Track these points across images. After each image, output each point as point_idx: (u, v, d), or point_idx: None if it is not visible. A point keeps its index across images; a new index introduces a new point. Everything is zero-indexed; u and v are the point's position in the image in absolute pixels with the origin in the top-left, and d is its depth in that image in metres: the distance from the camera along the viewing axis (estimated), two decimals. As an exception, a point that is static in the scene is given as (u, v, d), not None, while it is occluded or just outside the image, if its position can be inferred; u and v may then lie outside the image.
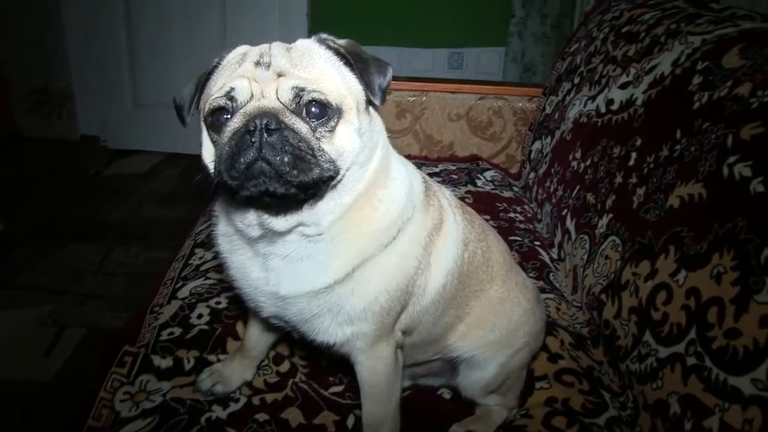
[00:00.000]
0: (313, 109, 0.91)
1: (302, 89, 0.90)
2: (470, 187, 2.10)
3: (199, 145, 1.00)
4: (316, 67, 0.96)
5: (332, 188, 0.96)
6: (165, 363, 1.32)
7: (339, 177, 0.94)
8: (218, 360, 1.33)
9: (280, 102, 0.90)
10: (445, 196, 1.20)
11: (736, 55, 1.27)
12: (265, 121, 0.87)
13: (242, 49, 1.02)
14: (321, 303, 1.03)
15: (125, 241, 3.22)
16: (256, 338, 1.28)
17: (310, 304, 1.03)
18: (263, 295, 1.06)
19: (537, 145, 2.16)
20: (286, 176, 0.88)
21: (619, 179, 1.49)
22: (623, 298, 1.33)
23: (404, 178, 1.08)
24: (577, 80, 1.96)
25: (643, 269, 1.28)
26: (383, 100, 0.99)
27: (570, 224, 1.69)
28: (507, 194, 2.10)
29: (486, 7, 3.99)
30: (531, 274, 1.63)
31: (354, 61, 0.97)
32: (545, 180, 1.97)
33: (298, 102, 0.90)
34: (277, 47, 0.99)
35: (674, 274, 1.18)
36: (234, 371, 1.27)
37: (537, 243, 1.81)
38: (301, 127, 0.90)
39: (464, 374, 1.25)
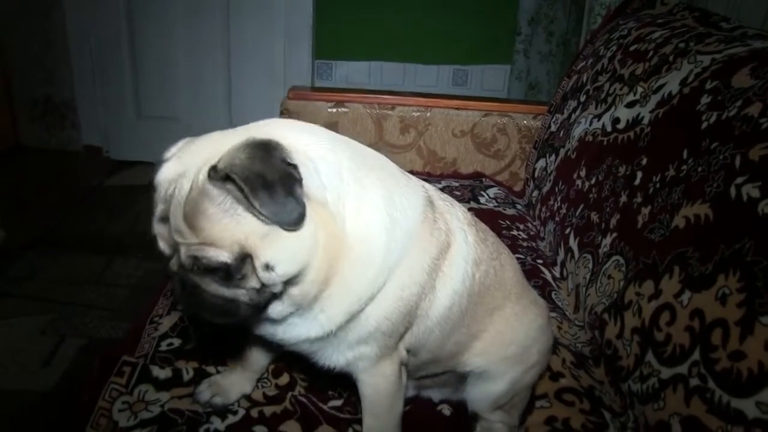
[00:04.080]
0: (215, 270, 0.86)
1: (196, 258, 0.85)
2: (473, 204, 2.10)
3: None
4: (208, 220, 0.83)
5: (282, 295, 0.93)
6: (164, 374, 1.31)
7: (279, 292, 0.91)
8: (217, 372, 1.32)
9: (185, 265, 0.87)
10: (456, 214, 1.15)
11: (746, 75, 1.27)
12: (180, 284, 0.89)
13: (164, 172, 0.91)
14: (321, 343, 1.03)
15: (126, 252, 3.22)
16: (257, 353, 1.27)
17: (311, 346, 1.04)
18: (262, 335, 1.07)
19: (541, 163, 2.15)
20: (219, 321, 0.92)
21: (624, 198, 1.49)
22: (626, 318, 1.32)
23: (379, 224, 0.96)
24: (583, 98, 1.96)
25: (647, 289, 1.27)
26: (298, 222, 0.85)
27: (573, 243, 1.69)
28: (510, 212, 2.09)
29: (491, 25, 4.01)
30: (533, 293, 1.63)
31: (248, 195, 0.81)
32: (549, 198, 1.96)
33: (198, 267, 0.86)
34: (177, 199, 0.86)
35: (678, 295, 1.17)
36: (233, 384, 1.26)
37: (539, 261, 1.80)
38: (210, 287, 0.88)
39: (474, 386, 1.23)
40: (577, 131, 1.90)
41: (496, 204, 2.14)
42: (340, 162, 0.95)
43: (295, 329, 1.01)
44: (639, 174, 1.46)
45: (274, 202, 0.81)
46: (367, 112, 2.47)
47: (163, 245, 0.91)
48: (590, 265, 1.55)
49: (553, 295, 1.65)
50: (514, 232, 1.94)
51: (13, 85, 4.30)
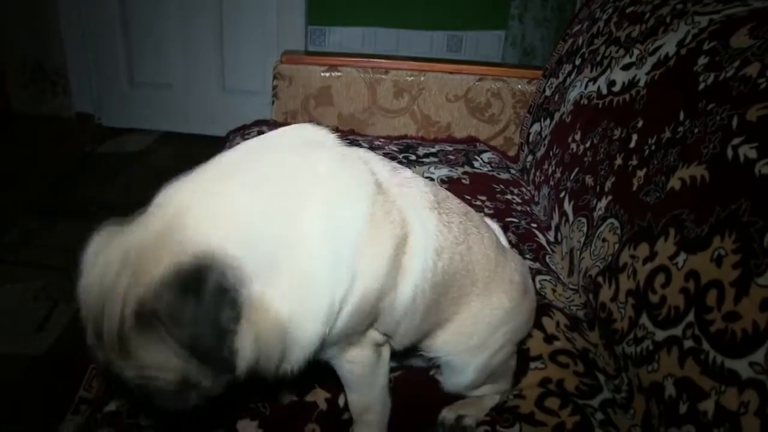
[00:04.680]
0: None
1: (141, 375, 0.82)
2: (467, 168, 2.08)
3: None
4: (143, 355, 0.80)
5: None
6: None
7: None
8: None
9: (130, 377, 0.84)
10: (413, 199, 1.03)
11: (745, 35, 1.24)
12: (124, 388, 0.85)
13: (87, 289, 0.85)
14: None
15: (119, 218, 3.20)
16: None
17: None
18: None
19: (536, 127, 2.14)
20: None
21: (619, 161, 1.47)
22: (620, 281, 1.32)
23: (321, 268, 0.88)
24: (578, 62, 1.94)
25: (642, 252, 1.27)
26: (230, 369, 0.80)
27: (568, 207, 1.68)
28: (504, 176, 2.08)
29: (486, -11, 3.96)
30: (527, 256, 1.62)
31: (178, 343, 0.77)
32: (543, 162, 1.95)
33: (143, 378, 0.83)
34: (108, 328, 0.80)
35: (674, 257, 1.17)
36: None
37: (534, 225, 1.80)
38: (155, 396, 0.86)
39: (445, 375, 1.21)
40: (572, 95, 1.88)
41: (490, 168, 2.12)
42: (277, 253, 0.85)
43: None
44: (634, 136, 1.45)
45: (202, 352, 0.78)
46: (361, 77, 2.44)
47: (100, 355, 0.84)
48: (585, 229, 1.55)
49: (548, 259, 1.65)
50: (509, 197, 1.93)
51: (2, 51, 4.24)
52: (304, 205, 0.88)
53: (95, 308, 0.82)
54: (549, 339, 1.34)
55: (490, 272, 1.15)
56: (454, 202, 1.16)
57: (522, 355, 1.29)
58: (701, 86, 1.27)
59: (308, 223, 0.87)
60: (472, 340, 1.15)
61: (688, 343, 1.08)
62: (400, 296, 0.99)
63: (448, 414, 1.20)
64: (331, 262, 0.88)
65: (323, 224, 0.88)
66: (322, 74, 2.45)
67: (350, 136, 2.31)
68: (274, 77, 2.48)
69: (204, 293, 0.75)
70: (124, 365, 0.82)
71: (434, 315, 1.09)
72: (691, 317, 1.09)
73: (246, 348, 0.81)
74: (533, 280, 1.50)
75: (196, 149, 3.88)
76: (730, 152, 1.11)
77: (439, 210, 1.07)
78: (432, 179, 1.95)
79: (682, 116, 1.30)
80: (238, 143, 2.22)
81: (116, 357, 0.81)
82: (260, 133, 2.28)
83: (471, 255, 1.11)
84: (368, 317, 0.97)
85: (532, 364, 1.29)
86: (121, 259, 0.81)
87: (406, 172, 1.09)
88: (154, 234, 0.82)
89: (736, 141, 1.11)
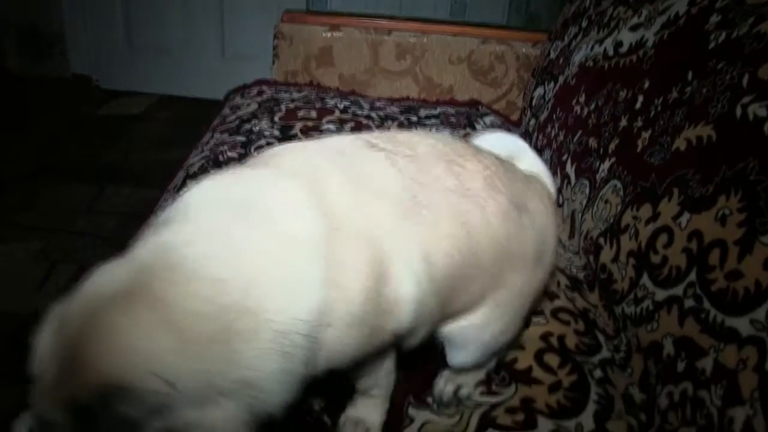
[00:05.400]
0: None
1: None
2: (469, 131, 2.06)
3: None
4: None
5: None
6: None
7: None
8: None
9: None
10: (382, 219, 0.84)
11: (761, -9, 1.22)
12: None
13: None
14: None
15: (117, 181, 3.20)
16: None
17: None
18: None
19: (539, 91, 2.11)
20: None
21: (623, 123, 1.46)
22: (622, 242, 1.31)
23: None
24: (584, 24, 1.91)
25: (645, 213, 1.26)
26: None
27: (570, 169, 1.66)
28: (506, 140, 2.06)
29: (491, -48, 3.91)
30: (529, 218, 1.61)
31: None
32: (546, 126, 1.93)
33: None
34: None
35: (677, 217, 1.16)
36: None
37: (535, 188, 1.78)
38: None
39: (448, 351, 1.10)
40: (578, 57, 1.86)
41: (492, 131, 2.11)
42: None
43: None
44: (640, 98, 1.43)
45: None
46: (363, 37, 2.41)
47: None
48: (587, 191, 1.54)
49: (549, 222, 1.64)
50: (511, 160, 1.92)
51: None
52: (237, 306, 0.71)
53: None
54: (550, 296, 1.34)
55: (498, 253, 0.99)
56: (443, 180, 0.94)
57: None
58: (711, 45, 1.25)
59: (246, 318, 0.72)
60: (476, 317, 1.04)
61: (689, 303, 1.07)
62: (401, 320, 0.87)
63: (446, 387, 1.13)
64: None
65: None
66: (324, 34, 2.42)
67: (351, 96, 2.29)
68: (275, 36, 2.45)
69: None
70: None
71: (449, 306, 0.98)
72: (692, 277, 1.08)
73: None
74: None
75: (195, 112, 3.88)
76: (738, 111, 1.10)
77: (416, 210, 0.88)
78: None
79: (690, 76, 1.28)
80: (237, 103, 2.22)
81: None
82: (260, 93, 2.26)
83: (471, 243, 0.94)
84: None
85: (534, 319, 1.28)
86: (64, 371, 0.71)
87: (376, 171, 0.89)
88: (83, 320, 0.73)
89: (745, 99, 1.09)
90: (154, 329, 0.68)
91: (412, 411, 1.12)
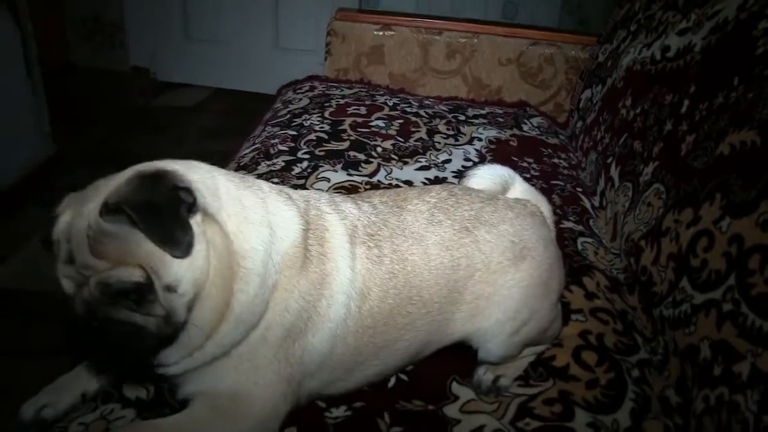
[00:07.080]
0: (127, 294, 0.89)
1: (107, 284, 0.88)
2: (516, 131, 2.08)
3: None
4: (111, 249, 0.88)
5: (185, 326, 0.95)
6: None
7: (184, 321, 0.93)
8: None
9: (93, 297, 0.90)
10: (339, 231, 1.09)
11: (811, -3, 1.22)
12: (87, 320, 0.90)
13: (61, 222, 0.94)
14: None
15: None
16: None
17: None
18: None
19: (587, 93, 2.12)
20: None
21: (668, 127, 1.46)
22: (663, 245, 1.32)
23: (258, 240, 0.99)
24: (633, 27, 1.91)
25: (686, 216, 1.26)
26: (186, 250, 0.89)
27: (614, 172, 1.67)
28: (552, 141, 2.08)
29: (544, -46, 3.89)
30: (570, 218, 1.63)
31: (137, 222, 0.86)
32: (592, 128, 1.94)
33: (109, 294, 0.88)
34: (78, 238, 0.89)
35: (718, 221, 1.16)
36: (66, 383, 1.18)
37: (579, 189, 1.80)
38: (121, 313, 0.90)
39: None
40: (625, 61, 1.86)
41: (539, 132, 2.12)
42: (218, 183, 0.99)
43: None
44: (686, 102, 1.44)
45: (161, 229, 0.87)
46: (414, 37, 2.44)
47: (68, 285, 0.92)
48: (630, 194, 1.54)
49: (591, 222, 1.65)
50: (555, 161, 1.93)
51: (62, 4, 4.34)
52: (247, 196, 1.02)
53: (68, 230, 0.91)
54: (590, 296, 1.35)
55: (448, 282, 1.12)
56: (388, 227, 1.14)
57: (563, 308, 1.29)
58: (759, 51, 1.25)
59: (251, 210, 1.01)
60: (491, 324, 1.17)
61: (727, 306, 1.08)
62: (310, 348, 1.04)
63: (485, 375, 1.18)
64: (266, 243, 1.00)
65: (263, 218, 1.02)
66: (375, 32, 2.46)
67: (400, 94, 2.33)
68: (328, 33, 2.50)
69: (160, 186, 0.89)
70: (97, 273, 0.88)
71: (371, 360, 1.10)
72: (731, 281, 1.08)
73: (199, 258, 0.91)
74: (575, 242, 1.51)
75: (248, 105, 3.96)
76: (783, 117, 1.10)
77: (370, 242, 1.10)
78: (480, 139, 1.97)
79: (736, 81, 1.28)
80: (289, 98, 2.27)
81: (88, 269, 0.88)
82: (312, 88, 2.32)
83: (415, 279, 1.10)
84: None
85: (573, 317, 1.30)
86: (91, 190, 0.94)
87: (341, 205, 1.14)
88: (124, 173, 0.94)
89: (791, 106, 1.10)
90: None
91: (456, 388, 1.17)
